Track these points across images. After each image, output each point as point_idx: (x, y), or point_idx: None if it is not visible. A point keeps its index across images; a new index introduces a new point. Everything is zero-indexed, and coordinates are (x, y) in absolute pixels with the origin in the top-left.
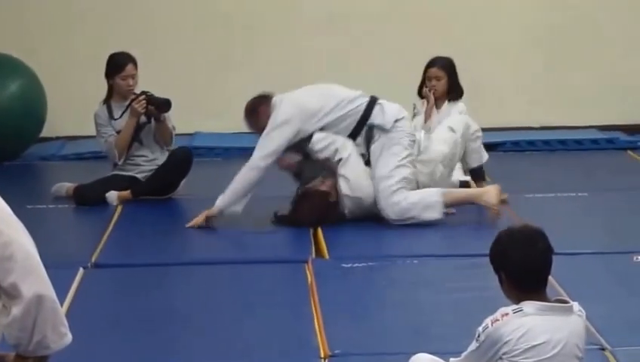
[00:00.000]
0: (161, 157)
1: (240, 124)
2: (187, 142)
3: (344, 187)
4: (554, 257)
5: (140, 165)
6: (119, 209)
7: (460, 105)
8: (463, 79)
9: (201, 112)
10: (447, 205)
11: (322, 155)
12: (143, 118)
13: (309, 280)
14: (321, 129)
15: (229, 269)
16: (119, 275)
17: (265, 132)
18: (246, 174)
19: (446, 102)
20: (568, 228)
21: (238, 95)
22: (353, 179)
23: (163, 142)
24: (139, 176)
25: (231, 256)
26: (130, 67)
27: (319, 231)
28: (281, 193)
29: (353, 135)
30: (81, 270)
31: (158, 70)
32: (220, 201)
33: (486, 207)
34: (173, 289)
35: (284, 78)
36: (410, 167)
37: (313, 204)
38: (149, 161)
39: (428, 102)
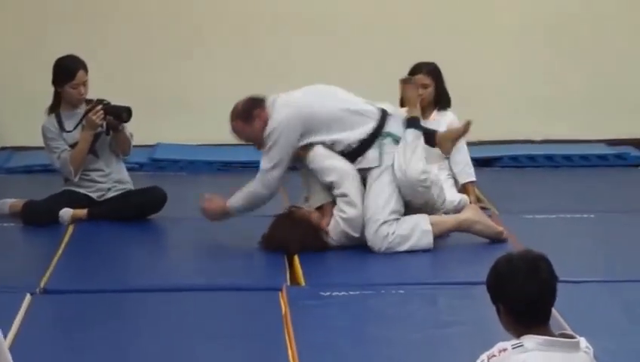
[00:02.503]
0: (116, 170)
1: (207, 135)
2: (147, 154)
3: (344, 225)
4: (558, 286)
5: (95, 182)
6: (71, 229)
7: (449, 115)
8: (454, 86)
9: (163, 121)
10: (436, 235)
11: (320, 179)
12: (99, 128)
13: (283, 310)
14: (331, 136)
15: (193, 297)
16: (71, 302)
17: (268, 140)
18: (256, 190)
19: (434, 111)
20: (573, 254)
21: (204, 101)
22: (356, 218)
23: (121, 151)
24: (94, 195)
25: (196, 282)
26: (81, 74)
27: (295, 255)
28: (264, 212)
29: (364, 145)
30: (28, 296)
31: (114, 75)
32: (233, 207)
33: (485, 236)
34: (130, 318)
35: (254, 83)
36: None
37: (296, 231)
38: (104, 175)
39: None
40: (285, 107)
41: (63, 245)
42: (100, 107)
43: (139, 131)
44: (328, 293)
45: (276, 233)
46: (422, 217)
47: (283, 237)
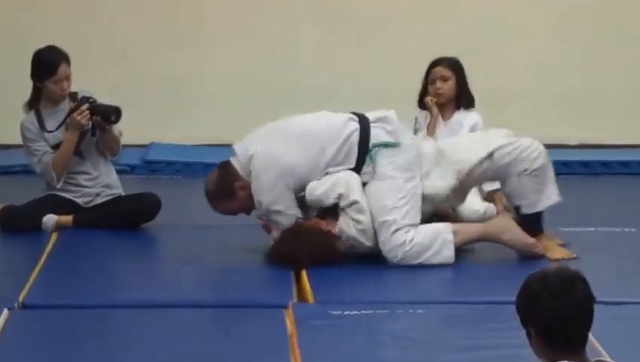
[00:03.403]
0: (104, 173)
1: (206, 134)
2: (139, 155)
3: (358, 234)
4: (595, 307)
5: (81, 186)
6: (55, 237)
7: (473, 115)
8: (480, 85)
9: (157, 118)
10: (459, 245)
11: (326, 203)
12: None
13: (289, 329)
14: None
15: (189, 314)
16: (52, 319)
17: (268, 216)
18: None
19: (456, 111)
20: (612, 272)
21: (203, 97)
22: (369, 227)
23: (108, 152)
24: (80, 200)
25: (192, 298)
26: (63, 68)
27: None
28: None
29: (359, 165)
30: (5, 311)
31: (103, 66)
32: None
33: (515, 247)
34: (118, 337)
35: (253, 77)
36: (415, 197)
37: (308, 241)
38: (92, 179)
39: (431, 113)
40: (267, 172)
41: (45, 255)
42: (85, 106)
43: (130, 129)
44: (339, 312)
45: (285, 246)
46: (444, 225)
47: (294, 249)
